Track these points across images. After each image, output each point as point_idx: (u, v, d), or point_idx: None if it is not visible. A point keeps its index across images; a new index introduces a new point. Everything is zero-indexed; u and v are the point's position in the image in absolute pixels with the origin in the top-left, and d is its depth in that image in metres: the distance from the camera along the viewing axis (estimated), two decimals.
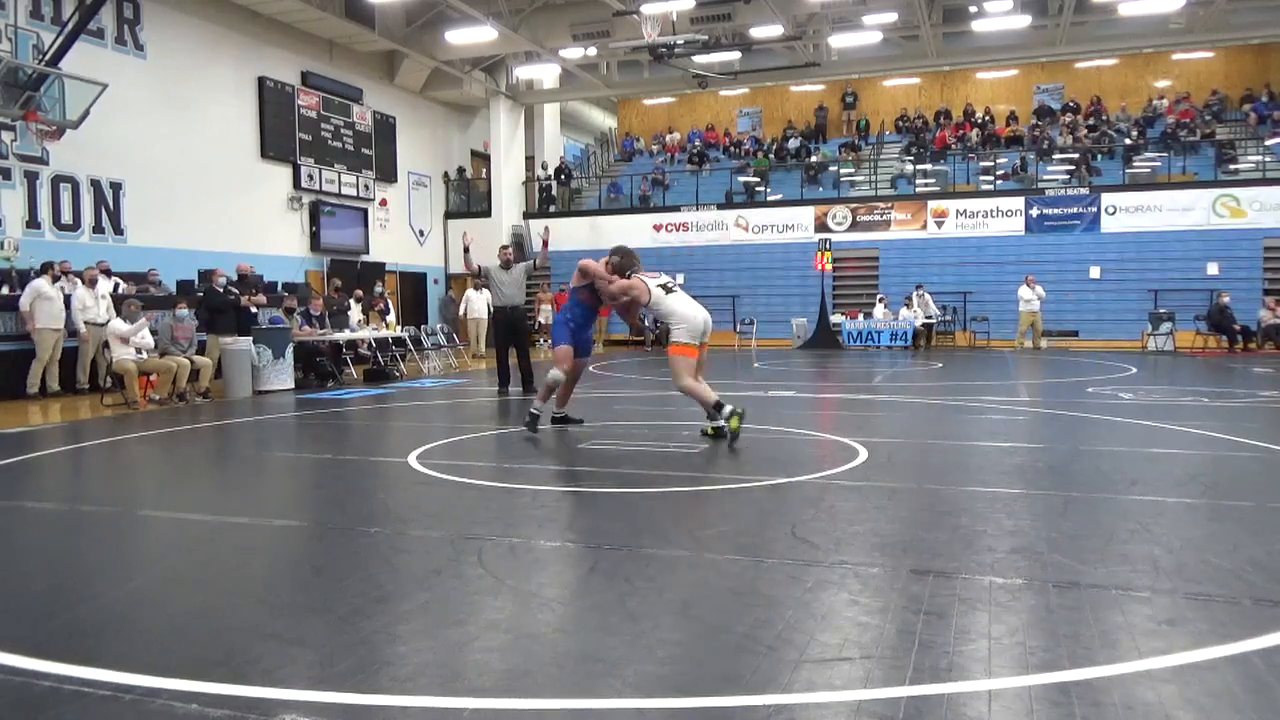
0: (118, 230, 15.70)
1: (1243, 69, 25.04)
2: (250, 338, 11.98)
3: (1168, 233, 20.79)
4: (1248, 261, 20.21)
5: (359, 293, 17.45)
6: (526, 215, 25.83)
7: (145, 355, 10.85)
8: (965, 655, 2.82)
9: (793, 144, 26.44)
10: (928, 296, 21.02)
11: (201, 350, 12.14)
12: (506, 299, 11.43)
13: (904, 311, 20.87)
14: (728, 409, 7.05)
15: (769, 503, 5.09)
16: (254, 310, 12.98)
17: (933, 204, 22.77)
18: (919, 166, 24.46)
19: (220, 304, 12.73)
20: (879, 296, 21.74)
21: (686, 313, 7.36)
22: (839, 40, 21.50)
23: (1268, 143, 22.07)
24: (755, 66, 23.47)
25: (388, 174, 22.64)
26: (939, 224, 22.60)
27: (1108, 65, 26.10)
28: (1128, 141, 23.29)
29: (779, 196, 24.57)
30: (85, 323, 11.95)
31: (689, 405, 10.38)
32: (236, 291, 13.16)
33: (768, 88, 28.03)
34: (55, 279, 11.69)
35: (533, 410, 7.81)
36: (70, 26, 13.76)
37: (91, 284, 12.13)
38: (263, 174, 19.06)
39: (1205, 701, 2.47)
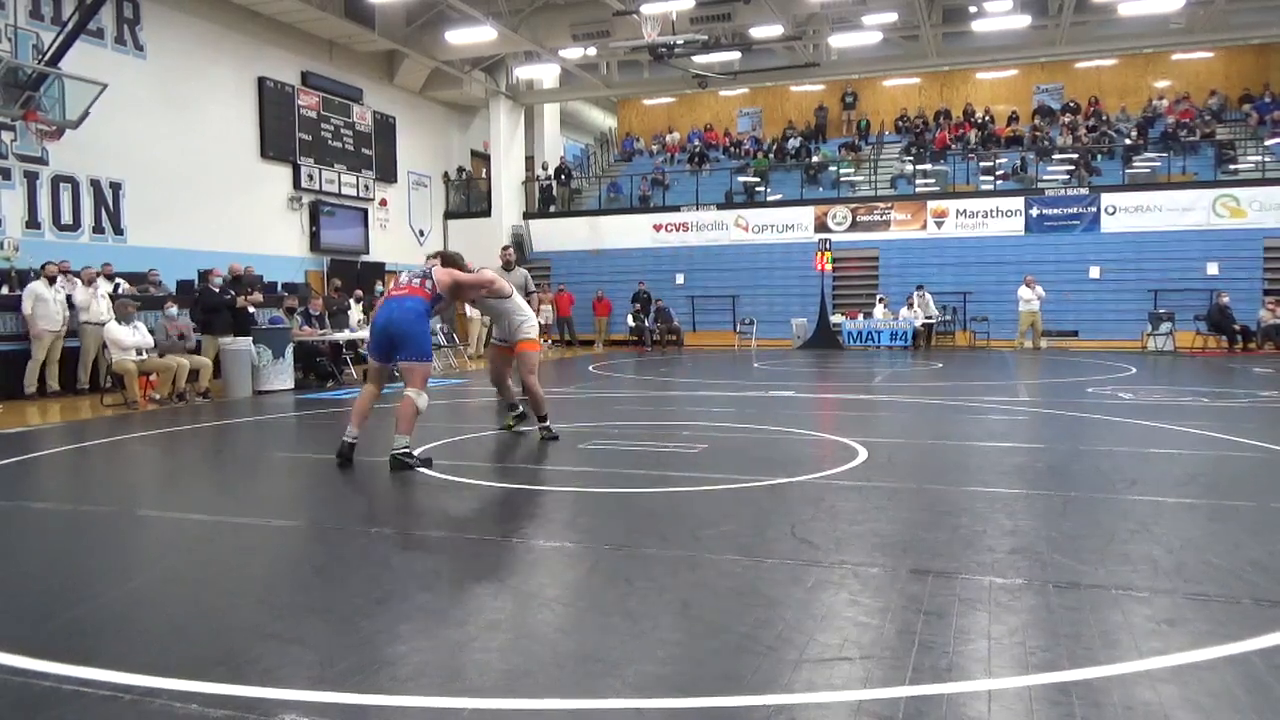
0: (118, 230, 15.70)
1: (1243, 69, 25.04)
2: (250, 338, 11.98)
3: (1168, 233, 20.79)
4: (1248, 261, 20.21)
5: (359, 293, 17.45)
6: (526, 215, 25.84)
7: (145, 355, 10.86)
8: (965, 655, 2.82)
9: (793, 144, 26.44)
10: (928, 297, 21.01)
11: (198, 350, 12.14)
12: None
13: (904, 312, 20.87)
14: (551, 425, 7.38)
15: (769, 503, 5.09)
16: (250, 310, 12.96)
17: (933, 204, 22.77)
18: (919, 166, 24.47)
19: (215, 304, 12.71)
20: (879, 297, 21.74)
21: (531, 313, 7.57)
22: (839, 40, 21.51)
23: (1268, 143, 22.07)
24: (755, 66, 23.48)
25: (388, 174, 22.64)
26: (939, 224, 22.60)
27: (1108, 65, 26.10)
28: (1128, 141, 23.30)
29: (779, 196, 24.58)
30: (83, 322, 11.95)
31: (689, 405, 10.40)
32: (232, 291, 13.15)
33: (768, 88, 28.03)
34: (51, 280, 11.66)
35: (404, 452, 6.07)
36: (70, 26, 13.76)
37: (90, 284, 12.12)
38: (263, 174, 19.06)
39: (1205, 701, 2.47)
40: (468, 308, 19.89)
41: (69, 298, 12.14)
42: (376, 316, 6.32)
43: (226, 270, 14.11)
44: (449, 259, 6.85)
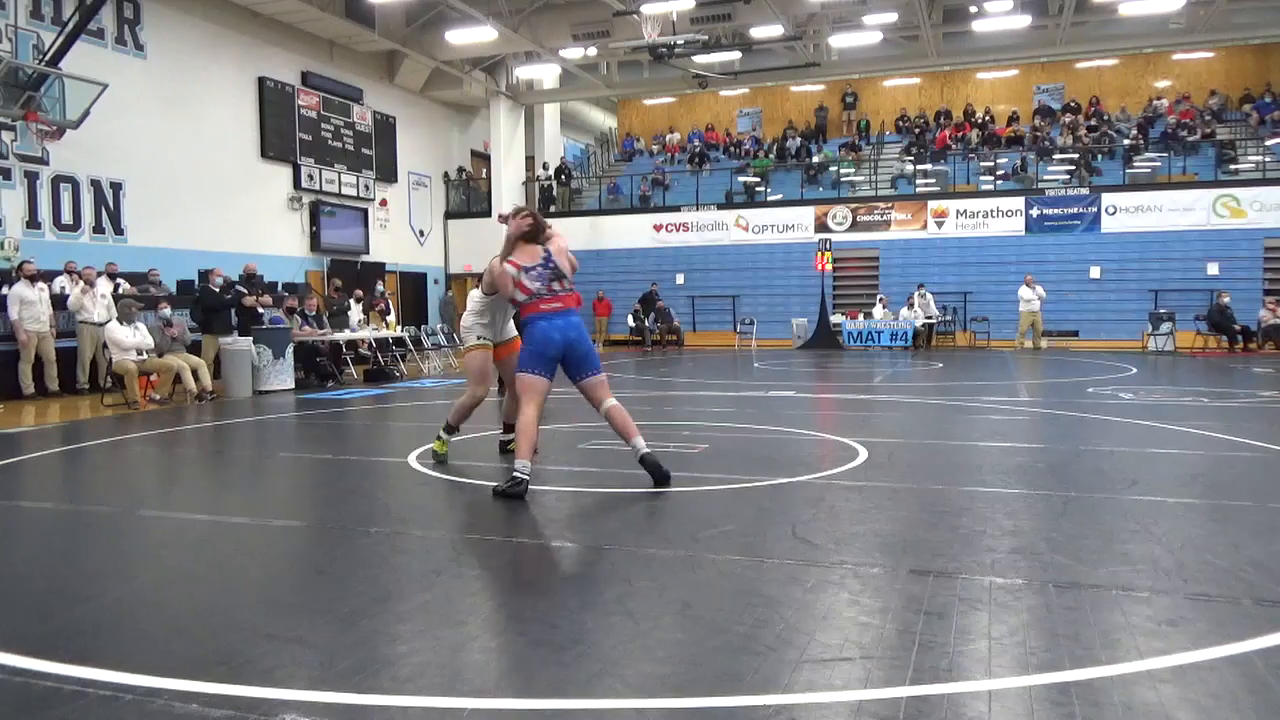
0: (118, 230, 15.70)
1: (1243, 69, 25.04)
2: (250, 338, 11.99)
3: (1168, 233, 20.79)
4: (1248, 261, 20.21)
5: (359, 293, 17.46)
6: None
7: (145, 355, 10.87)
8: (965, 655, 2.82)
9: (793, 144, 26.44)
10: (929, 296, 21.02)
11: (196, 350, 12.16)
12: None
13: (904, 312, 20.87)
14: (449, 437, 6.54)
15: (769, 503, 5.09)
16: (260, 311, 12.98)
17: (933, 204, 22.77)
18: (919, 166, 24.47)
19: (216, 303, 12.72)
20: (879, 297, 21.74)
21: None
22: (839, 40, 21.50)
23: (1268, 143, 22.06)
24: (755, 66, 23.47)
25: (388, 174, 22.64)
26: (939, 224, 22.60)
27: (1108, 65, 26.10)
28: (1127, 141, 23.29)
29: (779, 196, 24.58)
30: (80, 322, 11.98)
31: (689, 405, 10.40)
32: (245, 290, 13.16)
33: (768, 88, 28.03)
34: (33, 280, 11.65)
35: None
36: (70, 26, 13.77)
37: (89, 284, 12.14)
38: (263, 174, 19.06)
39: (1205, 702, 2.47)
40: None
41: (66, 298, 12.17)
42: (550, 334, 5.38)
43: (242, 270, 14.12)
44: (543, 223, 5.73)
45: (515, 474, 5.18)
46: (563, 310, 5.46)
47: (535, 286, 5.41)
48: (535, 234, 5.58)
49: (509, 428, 6.65)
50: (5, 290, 12.46)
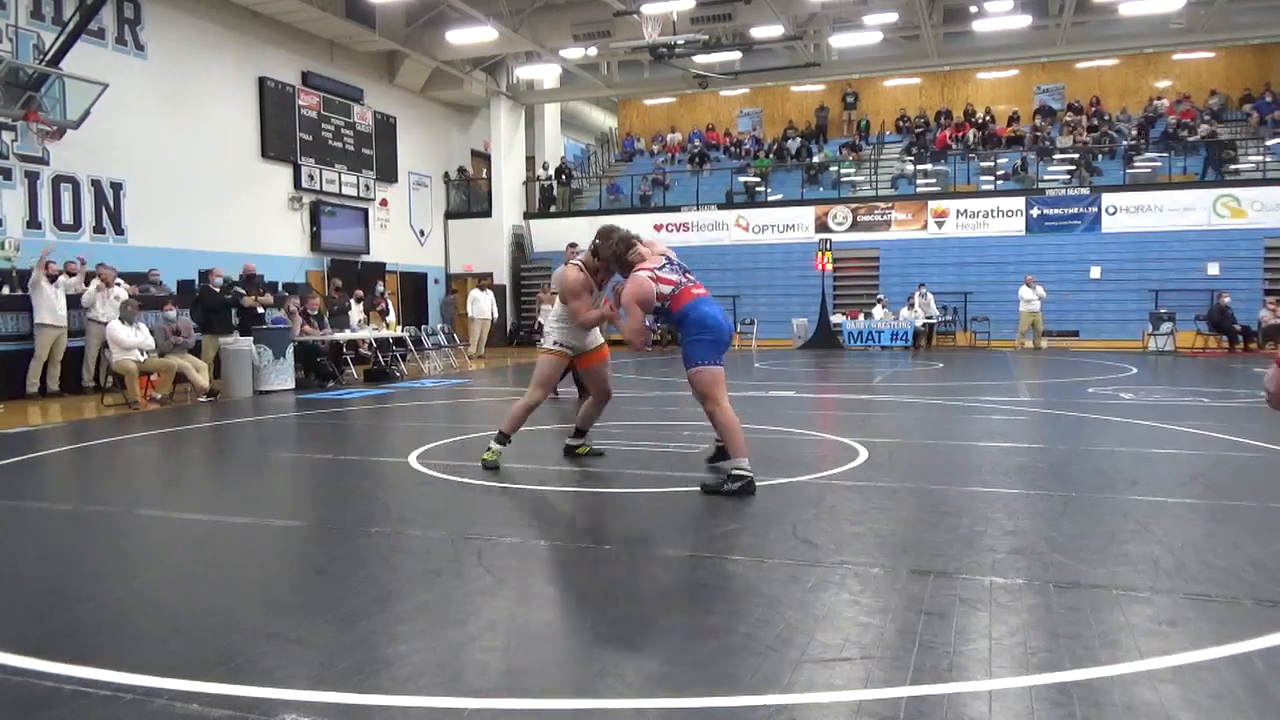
0: (118, 230, 15.70)
1: (1243, 69, 25.03)
2: (250, 338, 11.99)
3: (1168, 233, 20.78)
4: (1248, 262, 20.19)
5: (359, 293, 17.45)
6: (527, 215, 25.85)
7: (146, 355, 10.88)
8: (966, 655, 2.82)
9: (793, 144, 26.43)
10: (930, 296, 21.01)
11: (197, 351, 12.17)
12: None
13: (904, 312, 20.87)
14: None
15: (769, 503, 5.09)
16: (260, 310, 12.98)
17: (933, 204, 22.76)
18: (919, 166, 24.46)
19: (216, 304, 12.72)
20: (879, 297, 21.74)
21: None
22: (839, 40, 21.50)
23: (1268, 143, 22.05)
24: (755, 66, 23.47)
25: (388, 174, 22.63)
26: (939, 224, 22.59)
27: (1108, 65, 26.10)
28: (1127, 142, 23.28)
29: (779, 196, 24.57)
30: (89, 320, 12.06)
31: (689, 404, 10.38)
32: (243, 291, 13.16)
33: (768, 88, 28.02)
34: (52, 278, 11.75)
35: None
36: (71, 26, 13.76)
37: (106, 285, 12.24)
38: (263, 174, 19.06)
39: (1206, 702, 2.47)
40: (471, 308, 19.92)
41: (74, 297, 12.24)
42: (722, 322, 5.41)
43: (241, 271, 14.14)
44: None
45: (739, 471, 5.12)
46: (709, 297, 5.50)
47: (676, 278, 5.47)
48: (630, 247, 5.74)
49: (580, 431, 6.51)
50: (6, 289, 12.52)
